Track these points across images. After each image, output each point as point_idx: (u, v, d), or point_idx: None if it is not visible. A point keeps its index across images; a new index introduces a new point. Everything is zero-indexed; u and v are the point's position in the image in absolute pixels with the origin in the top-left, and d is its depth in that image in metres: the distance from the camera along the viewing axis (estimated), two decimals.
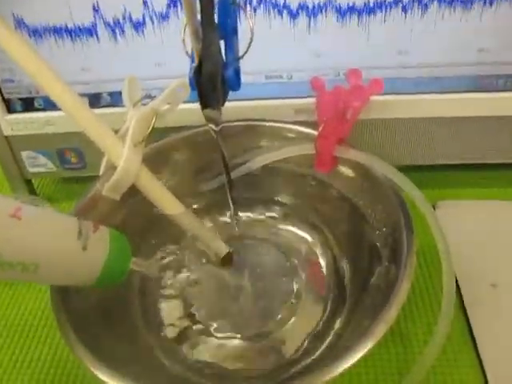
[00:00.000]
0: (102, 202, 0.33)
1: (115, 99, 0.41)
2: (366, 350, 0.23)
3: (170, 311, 0.34)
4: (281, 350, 0.32)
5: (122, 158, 0.29)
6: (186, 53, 0.26)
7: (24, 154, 0.44)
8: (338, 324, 0.32)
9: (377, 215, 0.33)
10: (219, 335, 0.33)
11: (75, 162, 0.45)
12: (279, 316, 0.34)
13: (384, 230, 0.32)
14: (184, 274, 0.36)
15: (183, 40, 0.26)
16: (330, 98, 0.34)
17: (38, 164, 0.45)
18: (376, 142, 0.42)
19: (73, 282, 0.27)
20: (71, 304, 0.28)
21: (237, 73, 0.26)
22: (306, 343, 0.32)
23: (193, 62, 0.25)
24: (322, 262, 0.36)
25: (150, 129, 0.32)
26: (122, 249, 0.28)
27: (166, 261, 0.36)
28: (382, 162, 0.32)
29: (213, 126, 0.30)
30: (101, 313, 0.30)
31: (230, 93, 0.28)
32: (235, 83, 0.26)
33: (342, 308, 0.32)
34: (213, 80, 0.24)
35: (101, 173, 0.34)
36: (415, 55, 0.37)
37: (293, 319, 0.33)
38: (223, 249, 0.35)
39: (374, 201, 0.33)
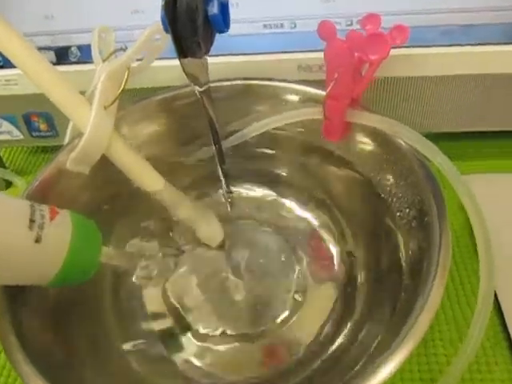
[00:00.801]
0: (67, 178, 0.28)
1: (86, 54, 0.35)
2: (391, 370, 0.18)
3: (147, 303, 0.30)
4: (281, 353, 0.27)
5: (89, 123, 0.25)
6: None
7: None
8: (348, 327, 0.27)
9: (398, 193, 0.27)
10: (209, 335, 0.28)
11: (45, 130, 0.40)
12: (280, 312, 0.29)
13: (407, 211, 0.26)
14: (168, 259, 0.31)
15: None
16: (342, 48, 0.27)
17: (2, 131, 0.40)
18: (396, 105, 0.35)
19: (23, 281, 0.22)
20: (20, 308, 0.22)
21: (223, 8, 0.20)
22: (309, 347, 0.27)
23: None
24: (330, 249, 0.31)
25: (121, 87, 0.26)
26: (89, 238, 0.24)
27: (144, 246, 0.31)
28: (405, 128, 0.26)
29: (197, 87, 0.25)
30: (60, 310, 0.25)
31: (220, 43, 0.23)
32: (221, 22, 0.20)
33: (354, 308, 0.27)
34: (191, 16, 0.18)
35: (66, 141, 0.31)
36: None
37: (296, 316, 0.29)
38: (218, 233, 0.31)
39: (394, 176, 0.27)
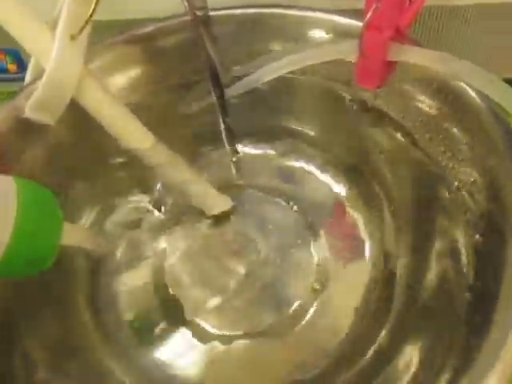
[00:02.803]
0: (25, 131, 0.24)
1: None
2: None
3: (133, 294, 0.25)
4: (298, 354, 0.23)
5: (52, 56, 0.21)
6: None
7: None
8: (383, 332, 0.22)
9: (459, 156, 0.21)
10: (210, 331, 0.24)
11: (14, 71, 0.35)
12: (296, 303, 0.24)
13: (471, 180, 0.21)
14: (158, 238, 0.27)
15: None
16: None
17: None
18: (456, 41, 0.30)
19: None
20: None
21: None
22: (334, 346, 0.22)
23: None
24: (361, 229, 0.26)
25: (91, 9, 0.22)
26: (43, 214, 0.20)
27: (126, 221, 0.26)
28: (474, 68, 0.20)
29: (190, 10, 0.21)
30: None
31: None
32: None
33: (390, 306, 0.22)
34: None
35: (26, 82, 0.26)
36: None
37: (314, 308, 0.24)
38: (221, 200, 0.27)
39: (456, 133, 0.22)
